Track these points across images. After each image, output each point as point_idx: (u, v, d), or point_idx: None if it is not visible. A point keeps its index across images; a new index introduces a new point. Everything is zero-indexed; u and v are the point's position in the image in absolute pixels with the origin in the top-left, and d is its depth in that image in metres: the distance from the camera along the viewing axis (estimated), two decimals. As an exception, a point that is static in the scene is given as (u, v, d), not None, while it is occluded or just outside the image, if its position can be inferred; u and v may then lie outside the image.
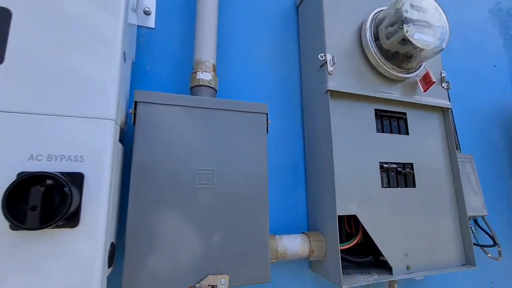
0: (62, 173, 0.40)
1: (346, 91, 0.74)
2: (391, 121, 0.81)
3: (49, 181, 0.40)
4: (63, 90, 0.44)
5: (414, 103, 0.83)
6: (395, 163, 0.77)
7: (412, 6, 0.72)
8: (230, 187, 0.59)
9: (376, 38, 0.78)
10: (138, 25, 0.75)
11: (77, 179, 0.42)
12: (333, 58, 0.73)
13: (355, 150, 0.73)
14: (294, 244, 0.68)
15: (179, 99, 0.60)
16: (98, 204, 0.43)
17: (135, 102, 0.57)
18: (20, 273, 0.37)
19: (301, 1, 0.92)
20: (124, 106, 0.57)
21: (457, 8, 1.29)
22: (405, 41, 0.72)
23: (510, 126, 1.28)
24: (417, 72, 0.82)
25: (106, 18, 0.49)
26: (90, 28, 0.47)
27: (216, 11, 0.75)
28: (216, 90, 0.71)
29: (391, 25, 0.74)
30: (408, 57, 0.76)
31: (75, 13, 0.47)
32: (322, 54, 0.74)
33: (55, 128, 0.42)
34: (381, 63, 0.77)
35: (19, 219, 0.36)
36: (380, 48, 0.78)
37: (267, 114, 0.67)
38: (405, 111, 0.83)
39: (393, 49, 0.76)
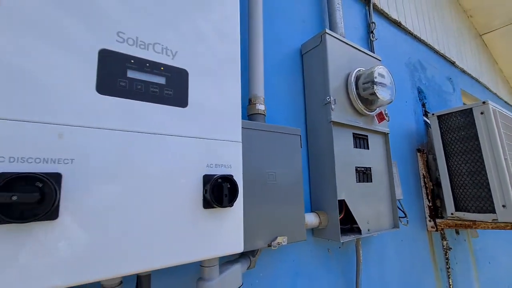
0: (222, 175, 0.68)
1: (339, 121, 1.16)
2: (361, 140, 1.28)
3: (219, 180, 0.67)
4: (221, 123, 0.71)
5: (372, 129, 1.33)
6: (363, 167, 1.25)
7: (379, 74, 1.19)
8: (284, 182, 0.94)
9: (356, 88, 1.24)
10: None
11: (230, 177, 0.70)
12: (334, 99, 1.15)
13: (344, 159, 1.17)
14: (310, 218, 1.07)
15: (255, 125, 0.91)
16: (240, 192, 0.72)
17: (231, 127, 0.85)
18: (208, 232, 0.65)
19: (306, 52, 1.31)
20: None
21: (388, 62, 1.90)
22: (373, 94, 1.19)
23: (411, 141, 1.97)
24: (375, 111, 1.32)
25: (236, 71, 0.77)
26: (231, 80, 0.75)
27: (262, 56, 1.07)
28: (265, 116, 1.04)
29: (366, 83, 1.20)
30: (373, 102, 1.24)
31: (222, 68, 0.74)
32: (329, 97, 1.14)
33: (219, 147, 0.70)
34: (358, 104, 1.23)
35: (216, 202, 0.64)
36: (358, 94, 1.24)
37: (300, 135, 1.03)
38: (367, 134, 1.32)
39: (365, 96, 1.23)
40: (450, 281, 1.90)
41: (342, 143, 1.18)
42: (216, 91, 0.72)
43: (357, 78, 1.25)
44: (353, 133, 1.25)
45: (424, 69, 2.32)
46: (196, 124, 0.67)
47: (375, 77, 1.18)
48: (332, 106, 1.14)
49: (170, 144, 0.63)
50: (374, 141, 1.35)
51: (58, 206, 0.47)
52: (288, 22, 1.33)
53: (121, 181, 0.54)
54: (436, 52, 2.57)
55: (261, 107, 1.00)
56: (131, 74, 0.60)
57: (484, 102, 1.55)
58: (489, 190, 1.51)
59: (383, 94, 1.20)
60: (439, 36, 2.64)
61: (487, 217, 1.52)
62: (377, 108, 1.33)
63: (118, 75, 0.58)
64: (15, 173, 0.43)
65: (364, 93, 1.22)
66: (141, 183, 0.57)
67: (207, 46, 0.73)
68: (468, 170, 1.60)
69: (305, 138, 1.27)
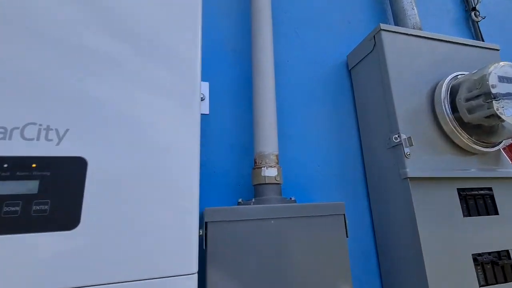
0: None
1: (424, 176, 0.65)
2: (478, 201, 0.70)
3: None
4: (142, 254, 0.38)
5: (500, 177, 0.73)
6: (490, 254, 0.66)
7: (500, 79, 0.63)
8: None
9: (452, 109, 0.70)
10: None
11: None
12: (409, 139, 0.65)
13: (443, 240, 0.63)
14: None
15: (248, 212, 0.54)
16: None
17: (205, 223, 0.51)
18: None
19: (355, 65, 0.86)
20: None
21: (508, 50, 1.19)
22: (493, 116, 0.63)
23: None
24: (499, 146, 0.72)
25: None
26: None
27: (274, 95, 0.70)
28: (281, 184, 0.65)
29: (474, 98, 0.65)
30: (493, 131, 0.67)
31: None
32: (396, 136, 0.66)
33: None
34: (462, 136, 0.69)
35: None
36: (459, 119, 0.69)
37: (344, 214, 0.59)
38: (490, 187, 0.72)
39: (475, 122, 0.67)
40: None
41: (438, 210, 0.65)
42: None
43: (453, 92, 0.71)
44: (458, 189, 0.69)
45: None
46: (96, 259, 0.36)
47: (492, 86, 0.62)
48: (406, 150, 0.65)
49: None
50: (507, 197, 0.73)
51: None
52: (325, 28, 0.92)
53: None
54: None
55: (270, 172, 0.62)
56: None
57: None
58: None
59: (510, 114, 0.62)
60: None
61: None
62: (504, 140, 0.73)
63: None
64: None
65: (471, 117, 0.67)
66: None
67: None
68: None
69: (367, 201, 0.78)
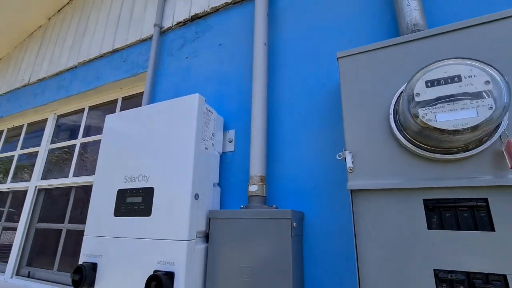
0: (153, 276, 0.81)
1: (373, 188, 0.70)
2: (463, 213, 0.62)
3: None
4: (171, 225, 0.88)
5: (495, 185, 0.59)
6: (462, 272, 0.59)
7: (428, 83, 0.60)
8: (264, 277, 0.79)
9: (396, 116, 0.69)
10: (224, 152, 1.16)
11: (171, 276, 0.82)
12: (350, 154, 0.74)
13: (400, 254, 0.66)
14: None
15: (229, 213, 0.90)
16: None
17: (209, 218, 0.94)
18: None
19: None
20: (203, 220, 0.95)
21: None
22: (428, 127, 0.60)
23: None
24: (473, 151, 0.60)
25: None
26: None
27: (263, 132, 1.00)
28: (264, 196, 0.94)
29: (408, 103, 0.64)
30: (442, 141, 0.60)
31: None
32: (340, 153, 0.76)
33: (168, 246, 0.86)
34: (409, 143, 0.66)
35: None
36: (400, 126, 0.67)
37: (291, 219, 0.80)
38: (485, 197, 0.61)
39: (415, 128, 0.63)
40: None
41: (390, 224, 0.68)
42: (170, 197, 0.92)
43: (397, 109, 0.69)
44: (424, 200, 0.66)
45: None
46: (156, 229, 0.91)
47: (417, 94, 0.60)
48: (349, 164, 0.74)
49: (142, 245, 0.92)
50: (507, 210, 0.57)
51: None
52: (320, 57, 1.07)
53: (119, 267, 0.93)
54: None
55: (252, 188, 0.94)
56: (128, 200, 1.01)
57: None
58: None
59: (453, 117, 0.56)
60: None
61: None
62: (486, 139, 0.59)
63: (122, 202, 1.01)
64: (81, 265, 0.98)
65: (411, 133, 0.64)
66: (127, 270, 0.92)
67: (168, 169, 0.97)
68: None
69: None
